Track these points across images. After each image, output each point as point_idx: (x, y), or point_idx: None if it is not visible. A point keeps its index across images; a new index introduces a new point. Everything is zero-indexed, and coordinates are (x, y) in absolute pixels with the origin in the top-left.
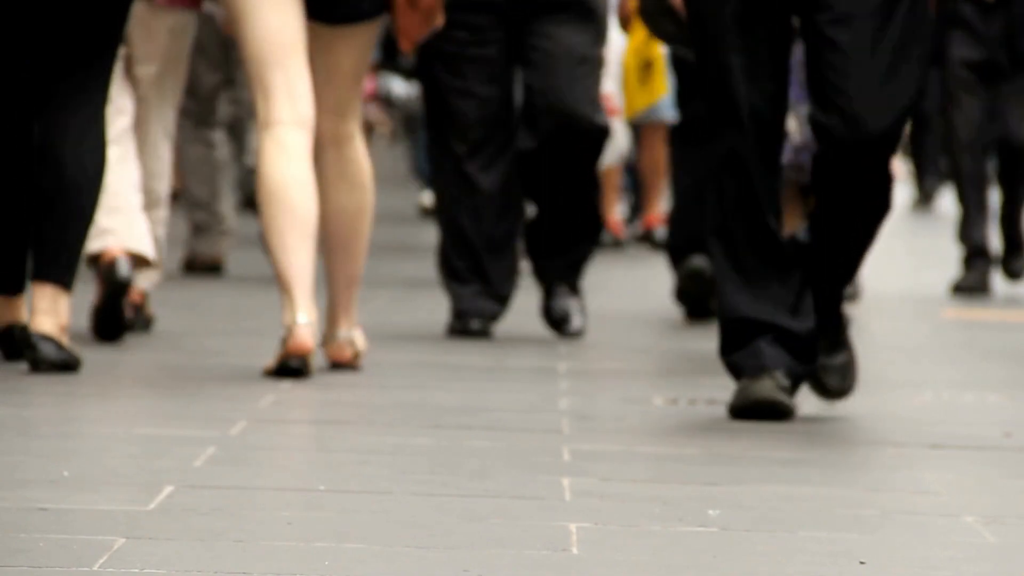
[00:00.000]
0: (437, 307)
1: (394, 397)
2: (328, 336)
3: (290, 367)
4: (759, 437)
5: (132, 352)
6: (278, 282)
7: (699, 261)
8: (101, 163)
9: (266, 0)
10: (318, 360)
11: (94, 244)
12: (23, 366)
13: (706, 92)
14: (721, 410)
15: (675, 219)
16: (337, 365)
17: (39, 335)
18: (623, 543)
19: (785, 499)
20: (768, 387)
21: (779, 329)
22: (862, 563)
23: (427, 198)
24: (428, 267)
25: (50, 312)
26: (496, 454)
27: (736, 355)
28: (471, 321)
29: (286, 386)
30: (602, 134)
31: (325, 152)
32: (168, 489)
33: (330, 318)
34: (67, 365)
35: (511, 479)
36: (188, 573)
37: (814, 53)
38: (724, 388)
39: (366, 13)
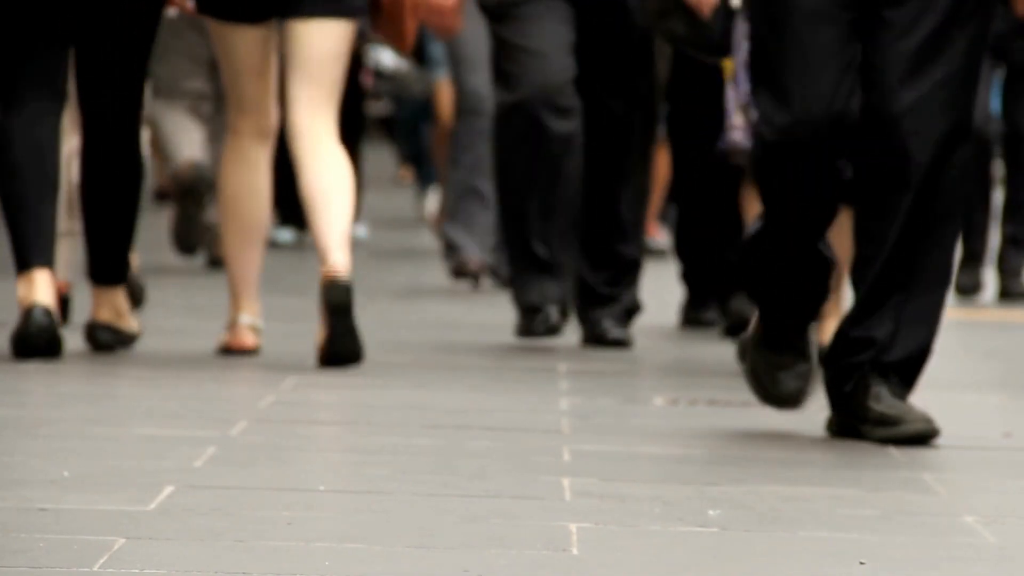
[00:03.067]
0: (437, 308)
1: (394, 397)
2: (321, 258)
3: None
4: (759, 437)
5: (132, 352)
6: (228, 280)
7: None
8: (138, 166)
9: (242, 29)
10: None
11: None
12: (24, 366)
13: (762, 100)
14: (721, 410)
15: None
16: (333, 282)
17: (95, 323)
18: (623, 543)
19: (785, 499)
20: (787, 387)
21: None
22: (862, 563)
23: (431, 204)
24: (427, 270)
25: (106, 305)
26: (496, 454)
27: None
28: (536, 322)
29: (286, 386)
30: (628, 123)
31: (298, 143)
32: (168, 489)
33: (320, 256)
34: (123, 342)
35: (511, 479)
36: (188, 573)
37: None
38: (724, 388)
39: (325, 11)
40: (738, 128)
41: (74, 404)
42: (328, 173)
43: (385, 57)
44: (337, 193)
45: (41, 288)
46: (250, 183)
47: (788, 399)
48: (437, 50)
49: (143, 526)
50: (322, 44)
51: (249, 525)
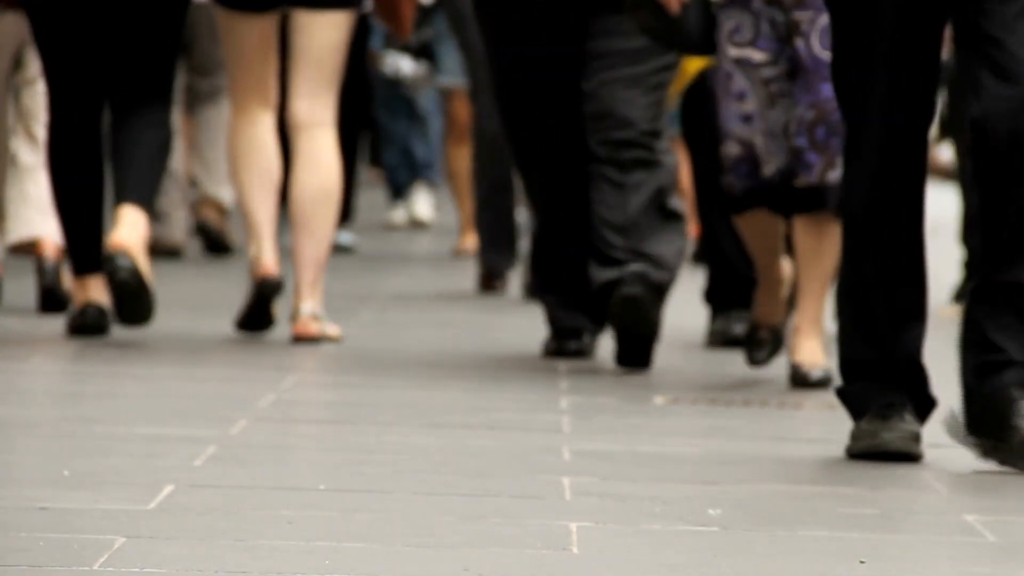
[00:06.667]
0: (436, 309)
1: (394, 397)
2: (293, 311)
3: (265, 290)
4: (759, 437)
5: (132, 352)
6: (245, 226)
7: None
8: (167, 127)
9: (249, 18)
10: (277, 332)
11: (28, 231)
12: (23, 365)
13: (844, 109)
14: (722, 410)
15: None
16: (301, 339)
17: (118, 248)
18: (623, 543)
19: (785, 499)
20: (900, 437)
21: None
22: (862, 563)
23: (398, 215)
24: (425, 272)
25: (131, 225)
26: (496, 454)
27: (855, 386)
28: (568, 342)
29: (286, 386)
30: (652, 146)
31: (297, 136)
32: (168, 489)
33: (295, 294)
34: (138, 284)
35: (511, 479)
36: (188, 573)
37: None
38: (724, 388)
39: (326, 3)
40: (728, 171)
41: (74, 404)
42: (313, 186)
43: (405, 65)
44: (321, 212)
45: (95, 289)
46: (258, 137)
47: (903, 439)
48: (450, 58)
49: (143, 525)
50: (324, 35)
51: (249, 524)
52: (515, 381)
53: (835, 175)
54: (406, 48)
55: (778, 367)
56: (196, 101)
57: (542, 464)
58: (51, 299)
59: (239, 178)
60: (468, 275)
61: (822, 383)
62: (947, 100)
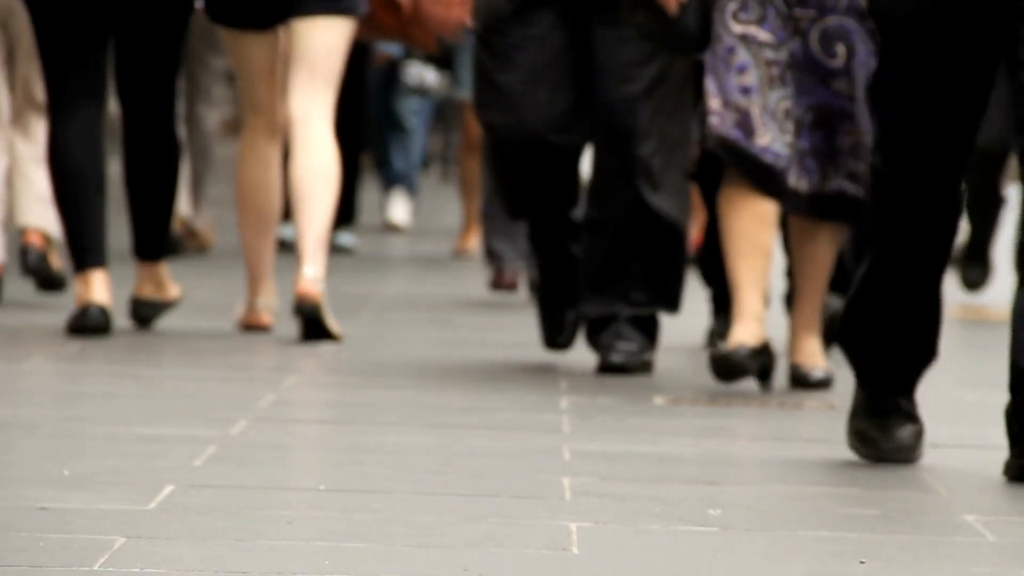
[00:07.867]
0: (436, 309)
1: (394, 397)
2: (296, 275)
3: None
4: (759, 437)
5: (132, 352)
6: (245, 263)
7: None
8: (174, 150)
9: (251, 36)
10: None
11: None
12: (23, 365)
13: (878, 109)
14: (722, 410)
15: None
16: (302, 305)
17: (138, 299)
18: (623, 543)
19: (785, 499)
20: (899, 448)
21: (911, 338)
22: (862, 562)
23: (398, 213)
24: (425, 273)
25: (148, 278)
26: (496, 454)
27: (862, 362)
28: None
29: (286, 386)
30: (657, 173)
31: (294, 129)
32: (168, 489)
33: (298, 262)
34: (163, 307)
35: (511, 479)
36: (188, 573)
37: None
38: (724, 388)
39: (323, 9)
40: (715, 114)
41: (74, 404)
42: (311, 167)
43: (429, 76)
44: (320, 190)
45: (97, 287)
46: (263, 178)
47: (902, 450)
48: (466, 70)
49: (143, 525)
50: (320, 38)
51: (249, 525)
52: (515, 381)
53: (832, 185)
54: (430, 59)
55: (778, 367)
56: (189, 112)
57: (542, 464)
58: (43, 280)
59: (241, 220)
60: (469, 275)
61: (822, 383)
62: None
